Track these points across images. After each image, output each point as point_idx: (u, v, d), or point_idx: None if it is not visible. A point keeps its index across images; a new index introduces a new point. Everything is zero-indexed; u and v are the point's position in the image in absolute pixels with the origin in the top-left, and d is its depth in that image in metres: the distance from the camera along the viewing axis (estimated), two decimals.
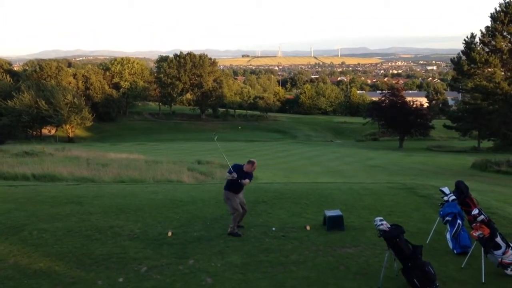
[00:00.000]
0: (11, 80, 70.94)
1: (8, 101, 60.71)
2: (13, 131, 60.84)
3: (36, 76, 71.44)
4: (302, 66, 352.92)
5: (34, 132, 65.36)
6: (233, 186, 9.04)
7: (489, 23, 48.55)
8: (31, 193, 12.85)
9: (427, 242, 8.52)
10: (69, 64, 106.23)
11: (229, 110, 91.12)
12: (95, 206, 11.18)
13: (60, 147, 35.07)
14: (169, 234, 8.99)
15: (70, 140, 62.15)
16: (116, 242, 8.54)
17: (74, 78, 76.09)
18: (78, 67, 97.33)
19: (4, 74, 72.58)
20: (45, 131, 66.29)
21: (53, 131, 65.91)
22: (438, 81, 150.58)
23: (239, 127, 79.63)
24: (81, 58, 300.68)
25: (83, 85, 75.63)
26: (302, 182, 18.52)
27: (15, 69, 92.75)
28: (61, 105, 61.05)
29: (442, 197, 8.85)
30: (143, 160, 27.18)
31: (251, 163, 9.15)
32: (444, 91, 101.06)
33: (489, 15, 48.31)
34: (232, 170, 8.93)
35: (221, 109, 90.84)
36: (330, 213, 9.67)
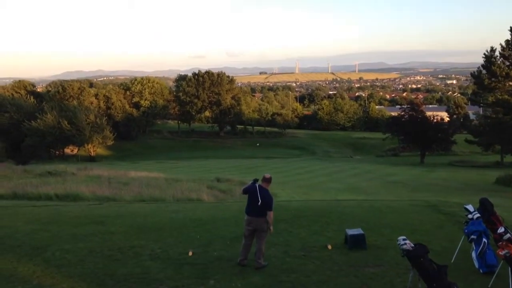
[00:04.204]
0: (35, 101, 72.34)
1: (32, 122, 61.99)
2: (37, 151, 61.93)
3: (59, 97, 72.74)
4: (320, 82, 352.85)
5: (57, 152, 66.42)
6: (248, 205, 8.39)
7: (508, 37, 47.96)
8: (54, 214, 13.03)
9: (452, 261, 8.33)
10: (91, 85, 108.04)
11: (247, 127, 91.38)
12: (116, 226, 11.26)
13: (82, 166, 35.58)
14: (190, 253, 8.98)
15: (92, 159, 62.95)
16: (138, 262, 8.56)
17: (95, 98, 77.31)
18: (99, 87, 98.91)
19: (27, 96, 74.13)
20: (67, 150, 67.29)
21: (75, 151, 66.89)
22: (459, 95, 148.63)
23: (257, 144, 79.71)
24: (102, 78, 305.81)
25: (104, 105, 76.81)
26: (322, 199, 18.39)
27: (39, 90, 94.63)
28: (83, 125, 62.03)
29: (467, 215, 8.67)
30: (163, 178, 27.36)
31: (266, 179, 8.42)
32: (465, 105, 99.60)
33: (509, 28, 47.75)
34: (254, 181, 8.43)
35: (239, 126, 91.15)
36: (351, 231, 9.56)
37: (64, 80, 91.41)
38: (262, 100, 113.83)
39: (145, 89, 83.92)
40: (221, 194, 21.45)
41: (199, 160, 57.85)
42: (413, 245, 6.68)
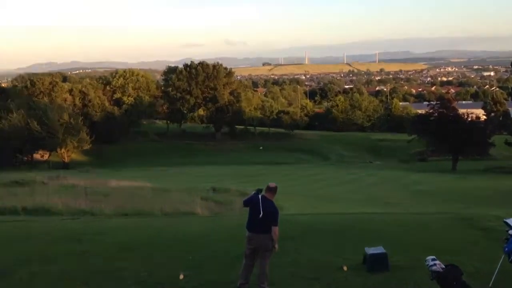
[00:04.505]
0: None
1: None
2: (1, 157, 62.07)
3: (27, 93, 73.07)
4: (334, 75, 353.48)
5: (25, 158, 66.57)
6: (249, 219, 8.32)
7: None
8: (21, 230, 13.07)
9: (490, 285, 8.31)
10: (65, 79, 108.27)
11: (248, 127, 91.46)
12: (95, 245, 11.28)
13: (54, 174, 35.71)
14: (181, 277, 8.96)
15: (65, 166, 63.08)
16: None
17: (70, 94, 77.54)
18: (74, 82, 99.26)
19: None
20: (37, 156, 67.45)
21: (46, 156, 67.03)
22: (497, 89, 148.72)
23: (260, 147, 79.82)
24: (78, 71, 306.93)
25: (80, 102, 77.04)
26: (336, 213, 18.40)
27: (3, 85, 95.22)
28: (56, 126, 62.20)
29: (507, 231, 8.64)
30: (150, 188, 27.50)
31: (271, 189, 8.36)
32: (504, 101, 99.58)
33: None
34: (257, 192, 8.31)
35: (239, 127, 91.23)
36: (371, 250, 9.55)
37: (33, 74, 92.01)
38: (265, 95, 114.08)
39: (128, 83, 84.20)
40: (218, 207, 21.54)
41: (192, 166, 57.97)
42: (444, 266, 6.68)
